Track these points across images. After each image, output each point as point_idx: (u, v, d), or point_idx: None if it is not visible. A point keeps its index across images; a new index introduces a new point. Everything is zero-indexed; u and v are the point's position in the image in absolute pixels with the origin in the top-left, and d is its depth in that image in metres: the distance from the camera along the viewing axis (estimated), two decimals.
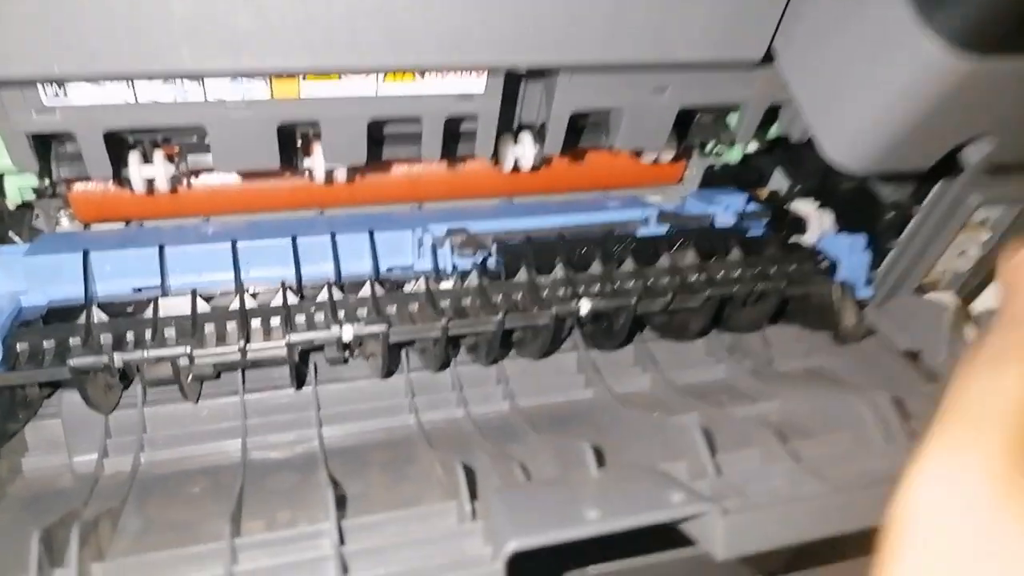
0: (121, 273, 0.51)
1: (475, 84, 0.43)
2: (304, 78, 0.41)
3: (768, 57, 0.44)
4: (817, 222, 0.64)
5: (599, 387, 0.57)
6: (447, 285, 0.54)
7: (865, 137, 0.40)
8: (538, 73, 0.47)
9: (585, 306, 0.51)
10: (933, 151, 0.42)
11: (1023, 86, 0.38)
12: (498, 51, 0.38)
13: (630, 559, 0.59)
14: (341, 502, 0.44)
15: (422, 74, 0.42)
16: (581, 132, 0.58)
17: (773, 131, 0.56)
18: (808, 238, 0.64)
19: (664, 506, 0.37)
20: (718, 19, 0.40)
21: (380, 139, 0.51)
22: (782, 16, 0.41)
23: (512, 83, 0.46)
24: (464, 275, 0.55)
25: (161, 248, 0.51)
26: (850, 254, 0.62)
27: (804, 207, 0.64)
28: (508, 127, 0.55)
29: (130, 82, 0.38)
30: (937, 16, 0.34)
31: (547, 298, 0.53)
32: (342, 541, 0.36)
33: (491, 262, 0.57)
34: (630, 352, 0.61)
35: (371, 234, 0.55)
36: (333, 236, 0.54)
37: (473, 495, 0.40)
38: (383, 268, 0.56)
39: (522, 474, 0.43)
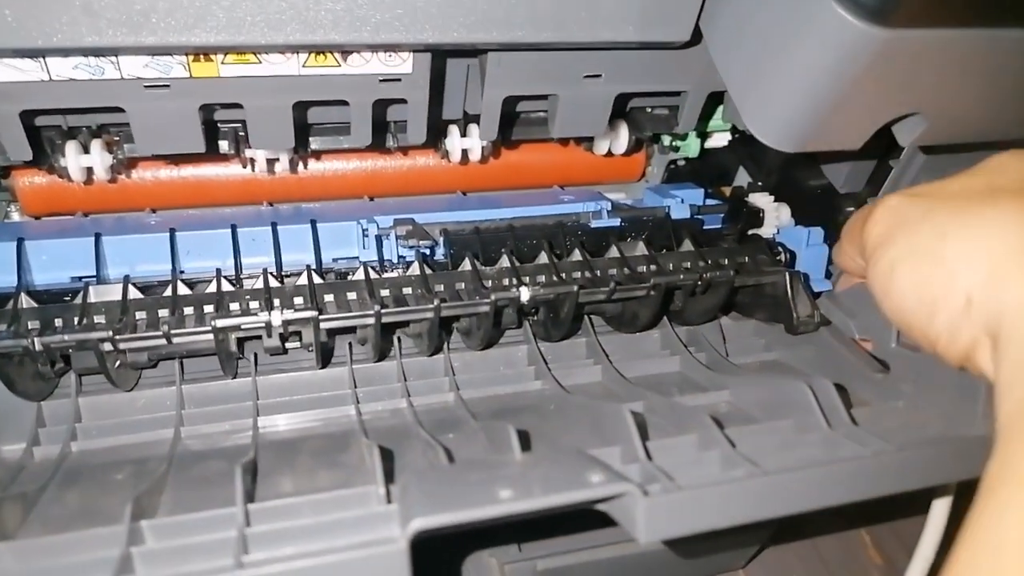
0: (58, 262, 0.50)
1: (400, 66, 0.43)
2: (223, 59, 0.40)
3: (698, 39, 0.43)
4: (773, 215, 0.63)
5: (547, 379, 0.56)
6: (391, 275, 0.53)
7: (789, 114, 0.40)
8: (467, 55, 0.47)
9: (525, 294, 0.50)
10: (861, 129, 0.42)
11: (943, 61, 0.37)
12: (412, 28, 0.38)
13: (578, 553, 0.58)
14: (262, 488, 0.43)
15: (345, 55, 0.42)
16: (528, 123, 0.58)
17: (717, 119, 0.56)
18: (765, 231, 0.63)
19: (582, 486, 0.36)
20: None
21: (314, 126, 0.51)
22: None
23: (440, 66, 0.46)
24: (409, 265, 0.54)
25: (98, 237, 0.50)
26: (808, 246, 0.61)
27: (760, 200, 0.64)
28: (454, 118, 0.55)
29: (42, 60, 0.38)
30: None
31: (491, 287, 0.52)
32: (248, 523, 0.36)
33: (439, 252, 0.57)
34: (583, 345, 0.60)
35: (313, 224, 0.54)
36: (274, 225, 0.53)
37: (392, 480, 0.39)
38: (328, 259, 0.55)
39: (446, 458, 0.42)
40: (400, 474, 0.43)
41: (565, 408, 0.52)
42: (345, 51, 0.42)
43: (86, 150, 0.50)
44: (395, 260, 0.56)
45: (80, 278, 0.51)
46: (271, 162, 0.55)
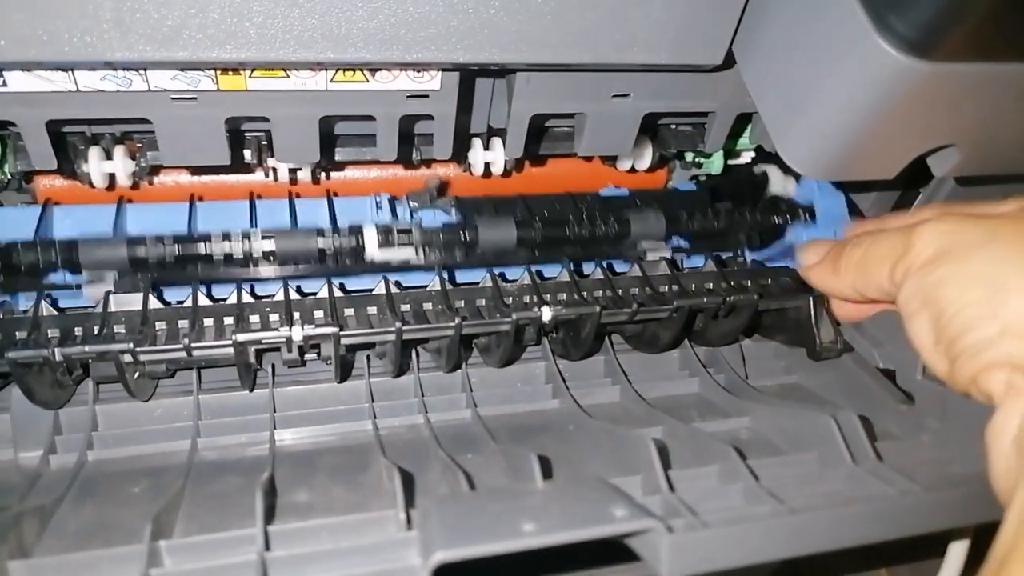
0: (81, 227, 0.50)
1: (429, 83, 0.43)
2: (251, 73, 0.40)
3: (730, 62, 0.43)
4: (780, 181, 0.62)
5: (565, 398, 0.55)
6: (405, 243, 0.52)
7: (823, 143, 0.39)
8: (496, 74, 0.47)
9: (547, 314, 0.50)
10: (894, 160, 0.41)
11: (981, 95, 0.37)
12: (444, 48, 0.37)
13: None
14: (280, 507, 0.43)
15: (373, 71, 0.41)
16: (552, 138, 0.57)
17: (744, 139, 0.55)
18: (773, 189, 0.63)
19: (606, 521, 0.36)
20: (673, 21, 0.39)
21: (338, 138, 0.50)
22: (740, 20, 0.40)
23: (468, 83, 0.45)
24: (424, 230, 0.53)
25: (120, 200, 0.51)
26: (823, 196, 0.59)
27: (767, 167, 0.63)
28: (478, 131, 0.54)
29: (71, 71, 0.37)
30: (889, 20, 0.33)
31: (511, 304, 0.52)
32: (268, 547, 0.35)
33: (453, 216, 0.57)
34: (601, 363, 0.60)
35: (329, 195, 0.55)
36: (291, 195, 0.54)
37: (413, 504, 0.39)
38: None
39: (466, 483, 0.41)
40: (419, 497, 0.42)
41: (584, 430, 0.51)
42: (373, 68, 0.41)
43: (109, 156, 0.49)
44: (408, 222, 0.55)
45: None
46: (293, 171, 0.55)
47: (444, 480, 0.45)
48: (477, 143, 0.55)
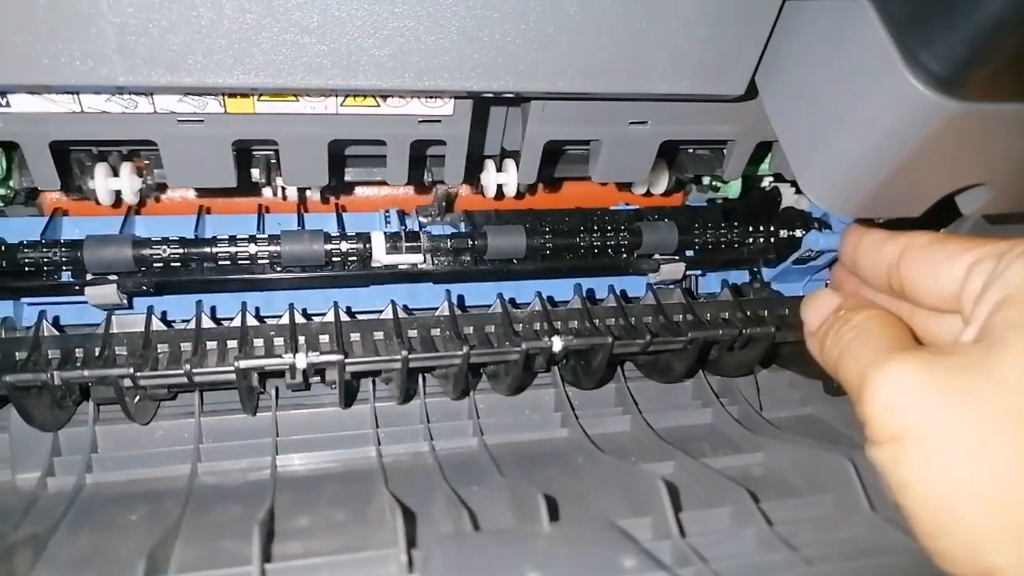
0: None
1: (441, 108, 0.41)
2: (260, 96, 0.39)
3: (752, 92, 0.41)
4: (792, 199, 0.61)
5: (574, 427, 0.54)
6: (413, 249, 0.51)
7: (847, 180, 0.38)
8: (510, 101, 0.45)
9: (558, 344, 0.48)
10: (921, 199, 0.39)
11: (1013, 135, 0.35)
12: (457, 77, 0.36)
13: None
14: (280, 535, 0.42)
15: (384, 96, 0.40)
16: (567, 161, 0.56)
17: (764, 167, 0.54)
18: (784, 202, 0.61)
19: (614, 571, 0.35)
20: (695, 51, 0.38)
21: (348, 159, 0.49)
22: (764, 50, 0.38)
23: (482, 108, 0.44)
24: (433, 238, 0.52)
25: (129, 209, 0.51)
26: None
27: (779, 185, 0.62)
28: (491, 153, 0.53)
29: (75, 92, 0.37)
30: (920, 56, 0.32)
31: (521, 333, 0.51)
32: None
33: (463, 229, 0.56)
34: (612, 392, 0.58)
35: (338, 208, 0.54)
36: (300, 207, 0.53)
37: (415, 543, 0.38)
38: None
39: (470, 521, 0.40)
40: (423, 532, 0.41)
41: (594, 463, 0.50)
42: (384, 94, 0.40)
43: (116, 173, 0.49)
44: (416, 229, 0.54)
45: None
46: (301, 191, 0.54)
47: (448, 515, 0.44)
48: (490, 165, 0.54)
